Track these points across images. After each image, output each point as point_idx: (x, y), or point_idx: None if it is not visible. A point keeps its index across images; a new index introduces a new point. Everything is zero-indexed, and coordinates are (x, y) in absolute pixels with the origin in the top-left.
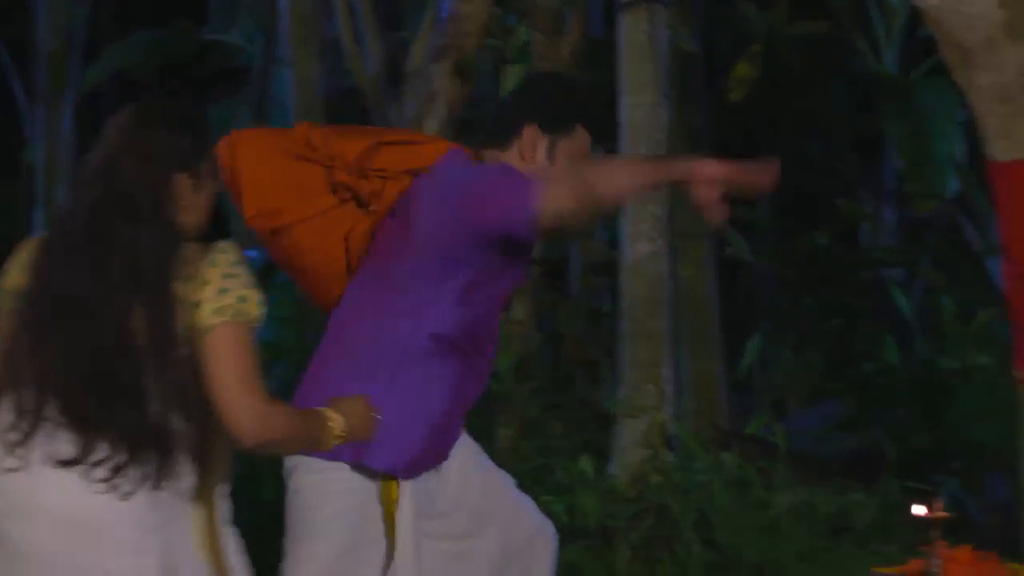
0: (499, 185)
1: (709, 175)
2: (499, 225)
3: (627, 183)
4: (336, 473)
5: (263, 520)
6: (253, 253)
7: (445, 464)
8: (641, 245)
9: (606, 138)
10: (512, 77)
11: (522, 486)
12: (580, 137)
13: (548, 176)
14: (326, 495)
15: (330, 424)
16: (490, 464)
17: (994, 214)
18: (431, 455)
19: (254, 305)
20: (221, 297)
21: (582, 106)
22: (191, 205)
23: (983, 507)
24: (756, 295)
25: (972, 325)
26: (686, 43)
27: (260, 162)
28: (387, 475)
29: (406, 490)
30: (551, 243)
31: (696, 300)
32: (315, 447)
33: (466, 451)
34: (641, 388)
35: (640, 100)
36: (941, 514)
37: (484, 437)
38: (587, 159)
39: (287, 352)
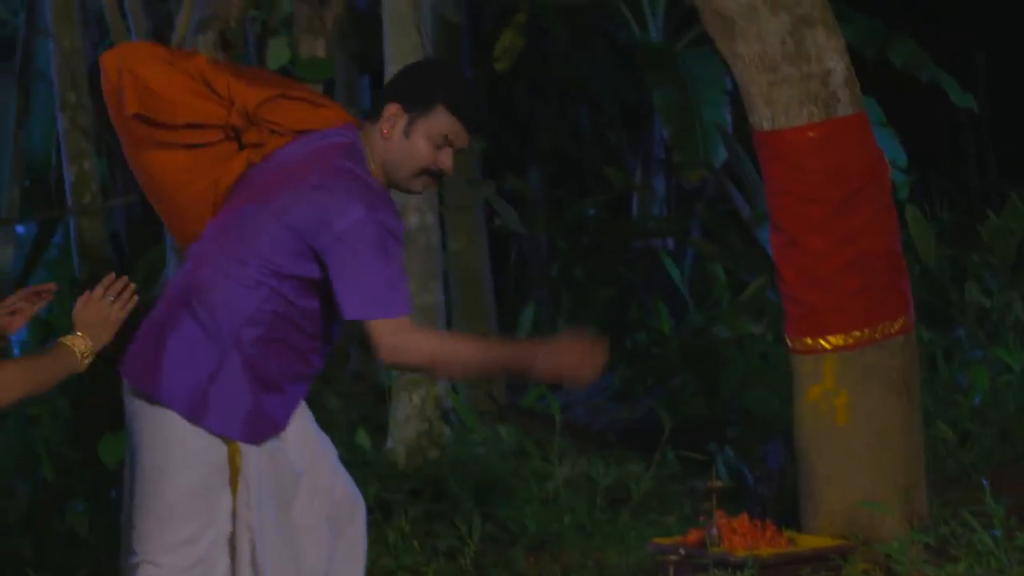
0: (375, 275)
1: (551, 373)
2: (344, 304)
3: (476, 366)
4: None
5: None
6: (21, 230)
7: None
8: (411, 217)
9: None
10: (276, 48)
11: None
12: (441, 118)
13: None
14: (176, 440)
15: (71, 347)
16: (320, 432)
17: (762, 183)
18: (267, 423)
19: None
20: None
21: (445, 89)
22: None
23: (759, 476)
24: (528, 266)
25: (743, 294)
26: (450, 13)
27: (158, 70)
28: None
29: (249, 453)
30: None
31: (468, 272)
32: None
33: (303, 417)
34: None
35: None
36: (718, 484)
37: None
38: (460, 143)
39: (59, 330)
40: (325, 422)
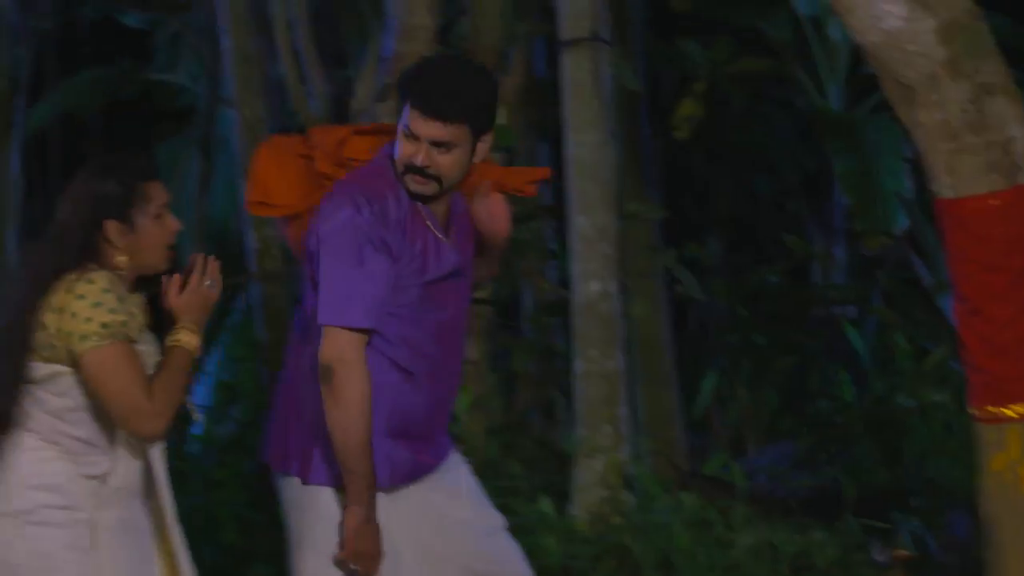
0: (339, 280)
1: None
2: (314, 299)
3: (341, 452)
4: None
5: (224, 562)
6: None
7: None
8: (592, 284)
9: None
10: None
11: None
12: (406, 112)
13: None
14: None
15: (185, 345)
16: (476, 495)
17: (943, 251)
18: (401, 469)
19: (120, 326)
20: (87, 325)
21: (405, 82)
22: (127, 246)
23: (943, 545)
24: (708, 333)
25: (926, 362)
26: (630, 81)
27: (269, 159)
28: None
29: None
30: (502, 283)
31: (649, 339)
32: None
33: (456, 476)
34: (598, 428)
35: (585, 139)
36: (903, 553)
37: None
38: (426, 133)
39: (243, 394)
40: (507, 488)
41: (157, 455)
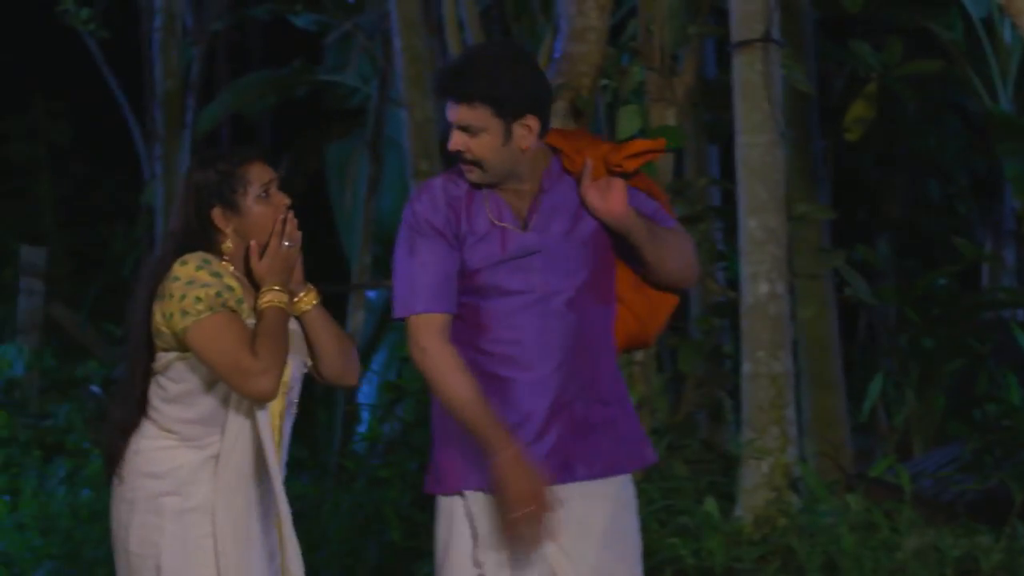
0: (400, 274)
1: (497, 482)
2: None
3: (457, 414)
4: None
5: (388, 560)
6: (372, 295)
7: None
8: (761, 286)
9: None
10: (627, 117)
11: (648, 529)
12: None
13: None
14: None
15: (276, 303)
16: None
17: None
18: (460, 471)
19: (214, 298)
20: (182, 303)
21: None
22: (235, 229)
23: None
24: (876, 336)
25: None
26: (801, 83)
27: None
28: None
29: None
30: None
31: (817, 341)
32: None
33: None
34: (764, 430)
35: (756, 140)
36: None
37: None
38: (451, 118)
39: (409, 393)
40: (673, 489)
41: (268, 438)
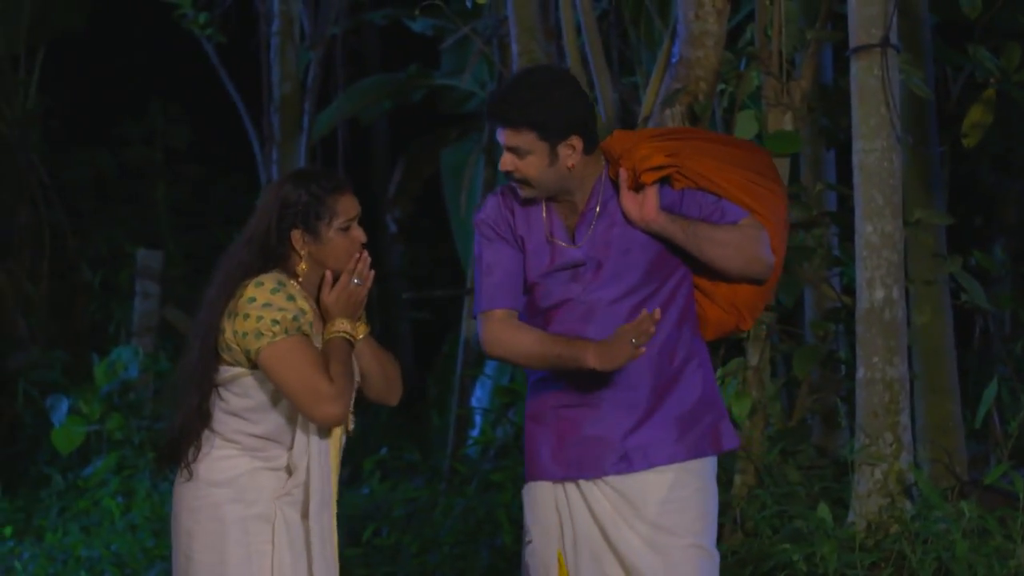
0: (475, 278)
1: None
2: None
3: (538, 357)
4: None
5: (499, 563)
6: None
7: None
8: (877, 291)
9: (840, 182)
10: (744, 122)
11: (760, 534)
12: None
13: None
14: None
15: (344, 334)
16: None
17: None
18: (535, 462)
19: (290, 321)
20: (258, 324)
21: None
22: (310, 255)
23: None
24: (992, 342)
25: None
26: (919, 88)
27: None
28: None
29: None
30: (785, 289)
31: (932, 347)
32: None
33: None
34: (879, 436)
35: (873, 145)
36: None
37: (721, 484)
38: (502, 141)
39: (521, 397)
40: (786, 494)
41: (326, 455)
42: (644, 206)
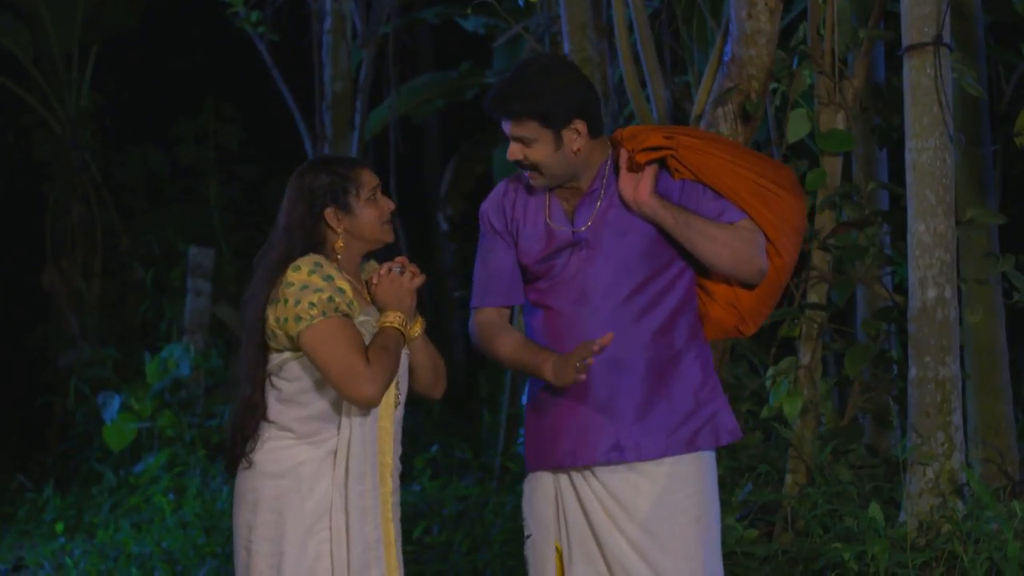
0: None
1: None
2: None
3: (508, 364)
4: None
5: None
6: None
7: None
8: (929, 290)
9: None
10: (796, 120)
11: (811, 533)
12: None
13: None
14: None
15: (396, 325)
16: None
17: None
18: (532, 450)
19: (327, 303)
20: (297, 309)
21: None
22: (346, 229)
23: None
24: None
25: None
26: (972, 87)
27: None
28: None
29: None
30: (837, 288)
31: (984, 346)
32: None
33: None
34: (931, 435)
35: (925, 144)
36: None
37: (772, 483)
38: (506, 132)
39: None
40: (837, 494)
41: (372, 426)
42: (638, 187)
